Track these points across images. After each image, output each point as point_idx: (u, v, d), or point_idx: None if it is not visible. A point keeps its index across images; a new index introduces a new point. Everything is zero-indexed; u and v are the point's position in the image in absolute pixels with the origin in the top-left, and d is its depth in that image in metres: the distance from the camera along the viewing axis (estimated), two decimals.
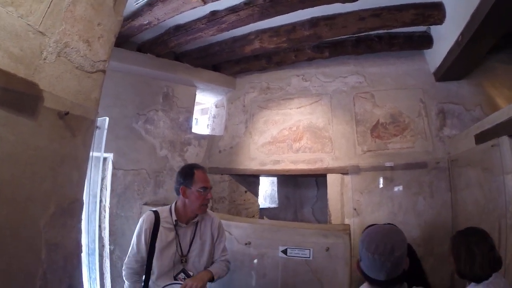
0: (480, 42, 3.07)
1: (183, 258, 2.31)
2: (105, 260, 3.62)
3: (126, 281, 2.31)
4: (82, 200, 1.83)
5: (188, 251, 2.33)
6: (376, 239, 1.45)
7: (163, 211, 2.35)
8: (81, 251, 1.85)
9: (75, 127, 1.69)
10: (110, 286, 3.53)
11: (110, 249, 3.58)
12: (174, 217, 2.32)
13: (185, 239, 2.34)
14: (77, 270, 1.82)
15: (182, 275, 2.28)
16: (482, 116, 3.70)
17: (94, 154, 2.67)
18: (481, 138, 2.98)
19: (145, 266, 2.24)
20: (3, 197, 1.28)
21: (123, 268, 2.29)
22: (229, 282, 2.99)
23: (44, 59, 1.50)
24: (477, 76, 3.99)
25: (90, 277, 3.18)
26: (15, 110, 1.34)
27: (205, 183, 2.32)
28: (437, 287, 3.52)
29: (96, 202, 3.32)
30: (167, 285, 2.18)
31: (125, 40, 3.78)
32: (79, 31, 1.70)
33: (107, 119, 2.48)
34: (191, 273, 2.30)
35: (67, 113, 1.59)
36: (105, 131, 2.51)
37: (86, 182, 1.94)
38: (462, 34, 3.07)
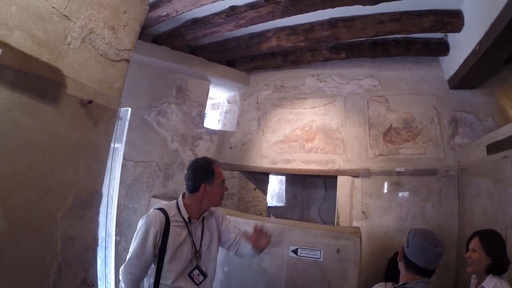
0: (497, 52, 3.04)
1: (197, 254, 2.26)
2: (110, 251, 3.61)
3: (126, 287, 2.13)
4: (101, 192, 1.81)
5: (200, 246, 2.28)
6: (427, 232, 1.78)
7: (170, 208, 2.23)
8: (97, 245, 1.84)
9: (98, 117, 1.68)
10: (113, 277, 3.52)
11: (116, 240, 3.55)
12: (186, 214, 2.23)
13: (197, 235, 2.28)
14: (92, 264, 1.81)
15: (196, 272, 2.22)
16: (494, 126, 3.71)
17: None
18: (493, 148, 2.97)
19: (147, 271, 2.14)
20: (20, 187, 1.26)
21: (121, 272, 2.11)
22: (238, 279, 3.00)
23: (68, 44, 1.48)
24: (491, 85, 3.97)
25: (104, 272, 3.17)
26: (37, 96, 1.32)
27: (223, 176, 2.33)
28: None
29: (112, 195, 3.30)
30: None
31: (141, 31, 3.74)
32: (105, 18, 1.69)
33: (130, 110, 2.47)
34: (204, 269, 2.26)
35: (90, 102, 1.57)
36: (127, 122, 2.48)
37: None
38: (480, 43, 3.05)
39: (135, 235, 2.14)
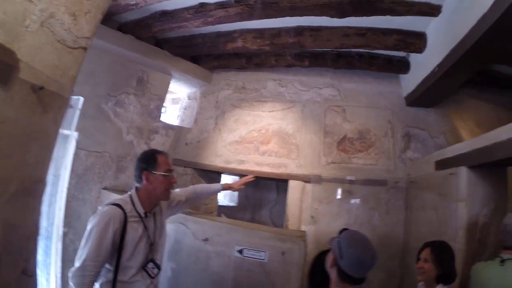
0: (455, 75, 3.24)
1: (152, 247, 2.23)
2: (57, 243, 3.46)
3: None
4: (46, 181, 1.75)
5: (154, 238, 2.26)
6: (362, 242, 1.67)
7: (125, 203, 2.14)
8: (38, 234, 1.76)
9: (48, 104, 1.63)
10: (60, 269, 3.38)
11: (64, 231, 3.41)
12: (142, 210, 2.17)
13: (150, 228, 2.25)
14: (33, 254, 1.74)
15: (151, 265, 2.19)
16: (445, 144, 3.90)
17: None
18: (441, 165, 3.14)
19: (101, 270, 2.02)
20: None
21: (73, 275, 1.94)
22: (182, 277, 2.98)
23: (27, 27, 1.43)
24: (446, 106, 4.19)
25: (45, 262, 3.05)
26: None
27: (169, 166, 2.25)
28: None
29: (58, 183, 3.17)
30: None
31: (107, 17, 3.66)
32: (67, 3, 1.64)
33: (82, 98, 2.37)
34: (158, 262, 2.24)
35: (41, 88, 1.53)
36: (78, 111, 2.39)
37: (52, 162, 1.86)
38: (439, 65, 3.22)
39: (87, 235, 1.99)
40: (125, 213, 2.07)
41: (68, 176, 3.49)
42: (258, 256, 2.76)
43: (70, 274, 1.94)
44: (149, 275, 2.16)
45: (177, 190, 2.65)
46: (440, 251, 2.23)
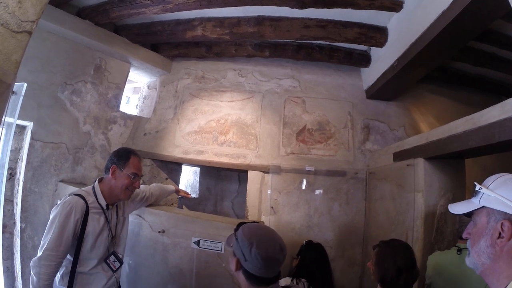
0: (413, 70, 3.33)
1: (114, 240, 2.27)
2: (16, 239, 3.32)
3: (40, 281, 1.92)
4: None
5: (115, 231, 2.30)
6: (265, 238, 1.46)
7: (88, 195, 2.17)
8: None
9: None
10: (19, 266, 3.26)
11: (21, 227, 3.29)
12: (104, 201, 2.21)
13: (113, 220, 2.29)
14: None
15: (112, 258, 2.23)
16: (405, 137, 4.02)
17: (6, 121, 2.46)
18: (399, 156, 3.22)
19: (63, 262, 2.03)
20: None
21: (35, 265, 1.92)
22: (141, 270, 2.95)
23: None
24: (406, 100, 4.31)
25: None
26: None
27: (137, 171, 2.31)
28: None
29: (3, 173, 3.04)
30: None
31: (65, 1, 3.51)
32: None
33: (25, 85, 2.26)
34: (120, 255, 2.29)
35: None
36: (21, 98, 2.29)
37: None
38: (398, 59, 3.29)
39: (49, 223, 2.00)
40: (86, 204, 2.10)
41: (23, 169, 3.37)
42: (214, 247, 2.75)
43: (32, 264, 1.94)
44: (111, 268, 2.20)
45: (141, 186, 2.71)
46: (383, 255, 2.05)
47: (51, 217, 2.02)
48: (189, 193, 3.37)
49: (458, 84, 4.59)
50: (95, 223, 2.13)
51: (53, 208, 2.08)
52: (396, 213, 3.17)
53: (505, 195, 1.05)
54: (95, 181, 2.28)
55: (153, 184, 3.00)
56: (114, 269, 2.21)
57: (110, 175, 2.23)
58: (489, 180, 1.16)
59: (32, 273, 1.93)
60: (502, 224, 1.03)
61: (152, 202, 2.93)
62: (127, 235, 2.49)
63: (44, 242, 1.96)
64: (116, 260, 2.24)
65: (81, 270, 2.07)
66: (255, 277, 1.43)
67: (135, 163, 2.30)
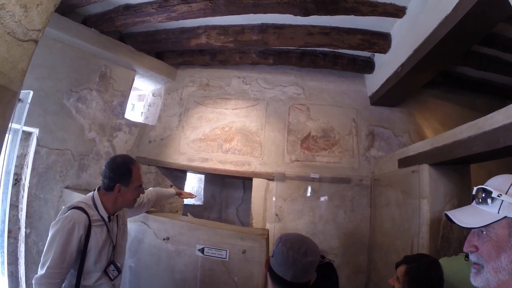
0: (417, 76, 3.33)
1: (115, 250, 2.22)
2: (20, 244, 3.33)
3: None
4: None
5: (116, 240, 2.25)
6: (294, 239, 1.46)
7: (88, 207, 2.09)
8: None
9: None
10: (24, 272, 3.26)
11: (26, 232, 3.30)
12: (105, 214, 2.14)
13: (114, 230, 2.23)
14: None
15: (112, 267, 2.18)
16: (409, 143, 4.01)
17: (13, 128, 2.48)
18: (404, 162, 3.20)
19: (65, 279, 1.97)
20: None
21: (38, 282, 1.87)
22: (144, 277, 2.94)
23: None
24: (410, 106, 4.30)
25: None
26: None
27: (141, 181, 2.27)
28: None
29: (9, 179, 3.06)
30: None
31: (71, 10, 3.55)
32: None
33: (31, 92, 2.29)
34: (118, 264, 2.23)
35: None
36: (28, 105, 2.32)
37: (0, 158, 1.79)
38: (402, 65, 3.30)
39: (50, 240, 1.93)
40: (89, 218, 2.03)
41: (29, 175, 3.38)
42: (219, 255, 2.74)
43: (34, 281, 1.88)
44: (109, 277, 2.15)
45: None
46: (417, 275, 1.87)
47: (51, 233, 1.95)
48: (193, 193, 3.32)
49: (463, 89, 4.58)
50: (98, 236, 2.07)
51: (52, 223, 1.99)
52: (401, 219, 3.15)
53: None
54: (94, 191, 2.21)
55: (150, 189, 2.91)
56: (112, 278, 2.17)
57: (116, 193, 2.16)
58: (500, 184, 1.02)
59: None
60: None
61: (150, 207, 2.89)
62: (126, 242, 2.46)
63: (46, 259, 1.90)
64: (114, 269, 2.20)
65: (86, 284, 2.03)
66: (275, 274, 1.43)
67: (137, 174, 2.23)
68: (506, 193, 0.97)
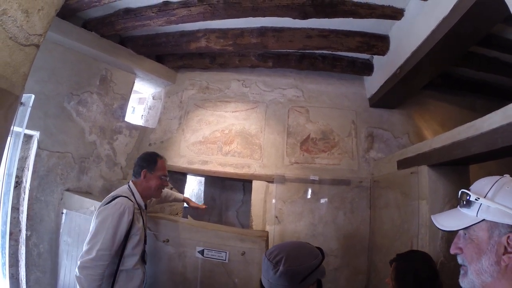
0: (416, 77, 3.35)
1: (145, 238, 2.44)
2: (21, 246, 3.34)
3: (94, 282, 1.97)
4: None
5: (145, 229, 2.46)
6: (279, 246, 1.45)
7: (130, 195, 2.32)
8: None
9: None
10: (24, 274, 3.27)
11: (26, 235, 3.31)
12: (142, 202, 2.40)
13: (145, 219, 2.46)
14: None
15: (146, 254, 2.42)
16: (409, 144, 4.01)
17: (15, 131, 2.51)
18: (403, 164, 3.21)
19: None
20: None
21: (86, 266, 1.95)
22: (146, 280, 2.94)
23: None
24: (409, 107, 4.31)
25: None
26: None
27: (166, 172, 2.57)
28: None
29: (11, 182, 3.08)
30: None
31: (72, 13, 3.56)
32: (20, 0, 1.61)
33: (33, 96, 2.32)
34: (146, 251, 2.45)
35: None
36: (29, 109, 2.35)
37: (2, 161, 1.81)
38: (400, 67, 3.31)
39: (100, 224, 2.09)
40: (134, 206, 2.25)
41: (30, 178, 3.39)
42: (218, 257, 2.76)
43: (82, 265, 1.98)
44: (145, 262, 2.40)
45: None
46: (403, 270, 1.91)
47: (100, 218, 2.11)
48: (203, 205, 3.44)
49: (462, 90, 4.58)
50: (138, 222, 2.28)
51: (99, 210, 2.17)
52: (401, 221, 3.16)
53: (510, 205, 0.93)
54: (129, 183, 2.46)
55: None
56: (145, 263, 2.42)
57: (142, 178, 2.44)
58: (482, 186, 1.04)
59: (81, 275, 1.96)
60: (508, 237, 0.92)
61: (161, 203, 3.20)
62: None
63: (95, 242, 2.03)
64: (145, 254, 2.42)
65: (125, 268, 2.19)
66: (260, 282, 1.42)
67: (162, 164, 2.53)
68: (484, 197, 0.99)
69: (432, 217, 1.14)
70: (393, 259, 2.05)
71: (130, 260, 2.22)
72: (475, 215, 1.00)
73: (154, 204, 2.96)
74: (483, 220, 0.98)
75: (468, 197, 1.03)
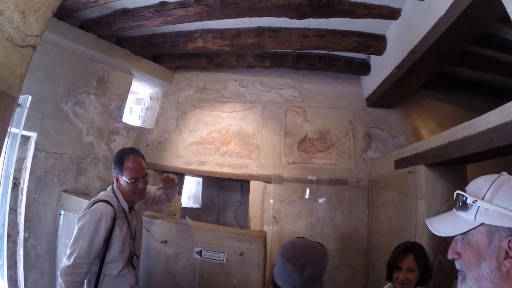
0: (413, 77, 3.35)
1: (135, 241, 2.28)
2: (19, 248, 3.33)
3: None
4: None
5: (135, 232, 2.31)
6: (294, 248, 1.42)
7: (112, 200, 2.16)
8: None
9: None
10: (23, 275, 3.26)
11: (24, 236, 3.30)
12: (126, 205, 2.22)
13: (133, 223, 2.30)
14: None
15: (134, 258, 2.25)
16: (406, 144, 4.02)
17: (12, 132, 2.50)
18: (400, 164, 3.22)
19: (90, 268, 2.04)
20: None
21: (65, 273, 1.93)
22: (143, 280, 2.94)
23: None
24: (407, 106, 4.32)
25: None
26: None
27: (135, 173, 2.18)
28: None
29: (8, 183, 3.07)
30: None
31: (68, 14, 3.54)
32: (16, 1, 1.61)
33: (30, 97, 2.31)
34: (137, 254, 2.31)
35: None
36: (26, 110, 2.34)
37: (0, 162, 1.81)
38: (397, 67, 3.32)
39: (78, 232, 2.00)
40: (114, 210, 2.11)
41: (27, 179, 3.38)
42: (216, 257, 2.75)
43: (61, 272, 1.95)
44: (134, 267, 2.24)
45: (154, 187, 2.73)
46: (424, 257, 2.07)
47: (79, 225, 2.02)
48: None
49: (459, 89, 4.60)
50: (121, 227, 2.15)
51: (79, 216, 2.07)
52: (398, 220, 3.17)
53: (510, 206, 0.86)
54: (114, 184, 2.26)
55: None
56: (136, 267, 2.27)
57: (115, 182, 2.24)
58: (479, 187, 0.96)
59: (61, 280, 1.94)
60: (509, 241, 0.85)
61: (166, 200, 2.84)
62: (142, 232, 2.52)
63: (73, 250, 1.96)
64: (136, 259, 2.28)
65: (110, 273, 2.11)
66: (274, 283, 1.41)
67: (129, 166, 2.17)
68: (482, 199, 0.92)
69: (427, 222, 1.06)
70: (404, 251, 2.09)
71: (114, 266, 2.12)
72: (473, 218, 0.92)
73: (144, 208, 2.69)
74: (482, 224, 0.90)
75: (464, 199, 0.96)
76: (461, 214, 0.97)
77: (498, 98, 4.38)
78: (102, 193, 2.25)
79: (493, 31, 3.27)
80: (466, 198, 0.95)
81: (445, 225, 1.00)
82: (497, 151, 2.04)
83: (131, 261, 2.22)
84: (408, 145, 3.44)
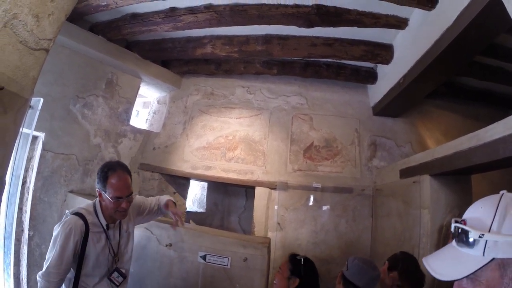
0: (419, 86, 3.36)
1: (116, 257, 2.19)
2: (23, 246, 3.36)
3: None
4: (4, 180, 1.73)
5: (118, 248, 2.23)
6: (364, 258, 2.05)
7: (88, 213, 2.08)
8: None
9: (8, 104, 1.60)
10: (26, 273, 3.28)
11: (29, 234, 3.33)
12: (104, 221, 2.12)
13: (115, 238, 2.22)
14: None
15: (116, 274, 2.17)
16: (411, 153, 4.00)
17: (23, 133, 2.53)
18: (405, 173, 3.21)
19: (65, 278, 2.01)
20: None
21: (39, 279, 1.93)
22: (146, 283, 2.95)
23: None
24: (413, 116, 4.31)
25: (4, 262, 2.97)
26: None
27: (119, 192, 2.05)
28: None
29: (18, 183, 3.10)
30: None
31: (79, 17, 3.61)
32: (31, 4, 1.62)
33: (42, 100, 2.34)
34: (123, 270, 2.22)
35: (1, 88, 1.50)
36: (38, 112, 2.36)
37: (11, 163, 1.83)
38: (404, 76, 3.32)
39: (52, 242, 1.98)
40: (86, 224, 2.03)
41: (34, 178, 3.42)
42: (220, 262, 2.75)
43: (37, 277, 1.95)
44: (114, 283, 2.16)
45: (153, 198, 2.66)
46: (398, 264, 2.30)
47: (53, 235, 1.99)
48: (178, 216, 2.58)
49: (466, 99, 4.58)
50: (96, 242, 2.08)
51: (56, 225, 2.02)
52: (402, 230, 3.16)
53: None
54: (97, 198, 2.14)
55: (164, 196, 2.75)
56: (118, 284, 2.18)
57: (98, 197, 2.11)
58: (482, 217, 0.85)
59: (38, 285, 1.95)
60: None
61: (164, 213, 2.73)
62: (132, 249, 2.39)
63: (47, 258, 1.96)
64: (119, 275, 2.19)
65: (87, 285, 2.07)
66: (350, 283, 1.91)
67: (113, 184, 2.03)
68: (489, 231, 0.80)
69: (424, 261, 0.93)
70: (395, 261, 2.35)
71: (89, 280, 2.07)
72: (481, 254, 0.80)
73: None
74: (493, 259, 0.79)
75: (469, 234, 0.84)
76: (465, 250, 0.86)
77: (505, 108, 4.40)
78: (81, 205, 2.16)
79: (500, 41, 3.27)
80: (470, 232, 0.83)
81: (449, 267, 0.89)
82: (502, 162, 2.04)
83: (109, 276, 2.14)
84: (413, 155, 3.43)
